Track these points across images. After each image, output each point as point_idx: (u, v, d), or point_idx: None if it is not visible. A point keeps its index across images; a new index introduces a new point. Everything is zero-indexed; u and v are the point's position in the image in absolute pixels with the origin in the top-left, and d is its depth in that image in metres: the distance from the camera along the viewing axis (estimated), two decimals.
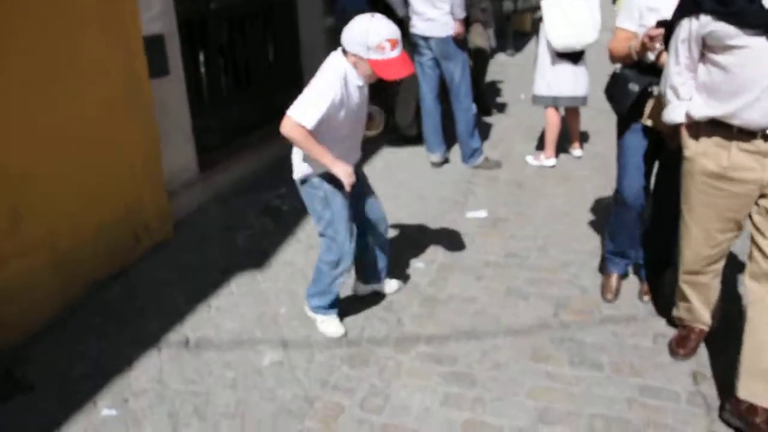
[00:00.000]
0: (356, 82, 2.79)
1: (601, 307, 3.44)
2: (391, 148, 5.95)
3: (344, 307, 3.41)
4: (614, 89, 3.20)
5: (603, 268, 3.67)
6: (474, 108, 5.34)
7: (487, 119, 6.86)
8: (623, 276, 3.60)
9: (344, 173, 2.84)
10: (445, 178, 5.30)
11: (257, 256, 3.99)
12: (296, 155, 2.97)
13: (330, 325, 3.25)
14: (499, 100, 7.63)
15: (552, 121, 5.43)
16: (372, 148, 5.95)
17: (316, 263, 3.22)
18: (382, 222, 3.38)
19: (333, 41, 5.91)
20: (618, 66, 3.22)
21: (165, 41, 3.97)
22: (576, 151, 5.70)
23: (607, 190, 4.91)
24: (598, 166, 5.39)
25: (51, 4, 3.13)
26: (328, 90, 2.68)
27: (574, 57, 5.22)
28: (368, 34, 2.63)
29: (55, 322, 3.31)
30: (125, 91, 3.62)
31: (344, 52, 2.77)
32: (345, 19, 5.78)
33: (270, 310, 3.45)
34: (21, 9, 2.98)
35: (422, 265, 3.92)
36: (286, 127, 2.71)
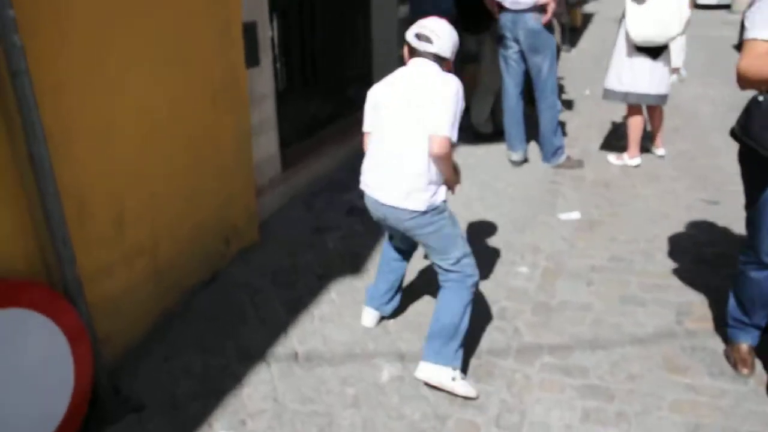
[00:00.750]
0: None
1: (725, 314, 3.21)
2: (466, 146, 5.73)
3: None
4: (764, 123, 2.44)
5: (728, 336, 2.96)
6: (559, 104, 5.13)
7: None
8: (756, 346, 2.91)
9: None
10: (529, 178, 5.09)
11: (352, 259, 3.80)
12: (422, 185, 2.57)
13: (466, 383, 2.75)
14: (564, 96, 7.40)
15: (634, 120, 5.21)
16: None
17: (448, 312, 2.71)
18: None
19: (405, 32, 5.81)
20: (754, 92, 2.53)
21: (258, 29, 3.75)
22: (659, 150, 5.47)
23: (699, 190, 4.72)
24: (683, 166, 5.17)
25: None
26: (460, 102, 2.57)
27: (654, 52, 4.98)
28: (455, 36, 2.66)
29: (155, 333, 3.13)
30: (224, 84, 3.42)
31: (440, 59, 2.62)
32: (420, 10, 5.61)
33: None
34: None
35: (526, 270, 3.71)
36: (443, 147, 2.50)
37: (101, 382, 2.61)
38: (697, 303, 3.34)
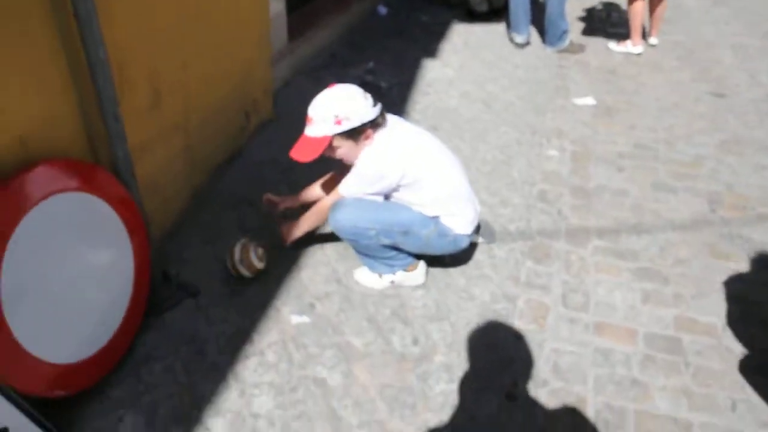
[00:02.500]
0: None
1: (754, 203, 3.29)
2: (464, 25, 5.50)
3: (501, 196, 3.16)
4: None
5: None
6: None
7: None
8: None
9: None
10: (534, 61, 4.94)
11: None
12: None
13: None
14: None
15: (637, 6, 5.07)
16: (443, 25, 5.49)
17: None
18: None
19: None
20: None
21: None
22: (652, 39, 5.39)
23: (703, 82, 4.72)
24: (684, 57, 5.14)
25: None
26: None
27: None
28: None
29: (189, 215, 2.89)
30: None
31: None
32: None
33: None
34: None
35: (556, 153, 3.64)
36: None
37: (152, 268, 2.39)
38: (726, 192, 3.39)
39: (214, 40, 2.91)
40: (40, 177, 1.82)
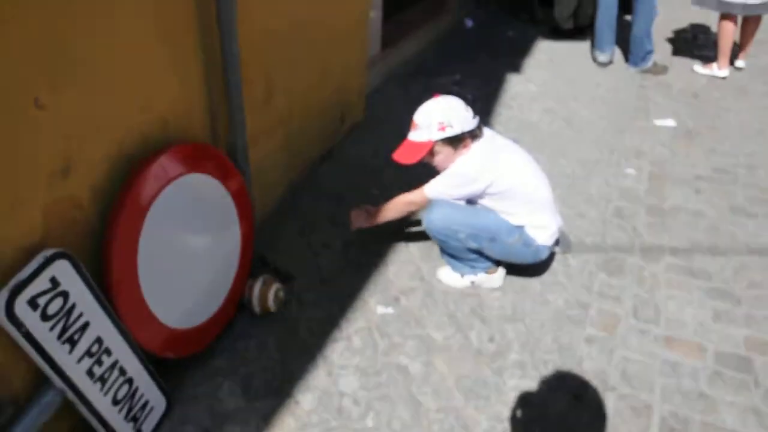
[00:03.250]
0: None
1: None
2: (548, 42, 5.62)
3: (578, 209, 3.28)
4: None
5: None
6: (657, 8, 4.96)
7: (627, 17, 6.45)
8: None
9: None
10: (616, 81, 5.00)
11: None
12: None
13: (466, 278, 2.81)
14: None
15: (726, 29, 5.03)
16: (528, 41, 5.62)
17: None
18: None
19: None
20: None
21: None
22: (740, 61, 5.35)
23: None
24: None
25: None
26: None
27: None
28: None
29: (285, 206, 3.14)
30: None
31: None
32: None
33: None
34: None
35: (633, 171, 3.73)
36: None
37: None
38: None
39: (319, 44, 3.15)
40: (177, 157, 2.06)
